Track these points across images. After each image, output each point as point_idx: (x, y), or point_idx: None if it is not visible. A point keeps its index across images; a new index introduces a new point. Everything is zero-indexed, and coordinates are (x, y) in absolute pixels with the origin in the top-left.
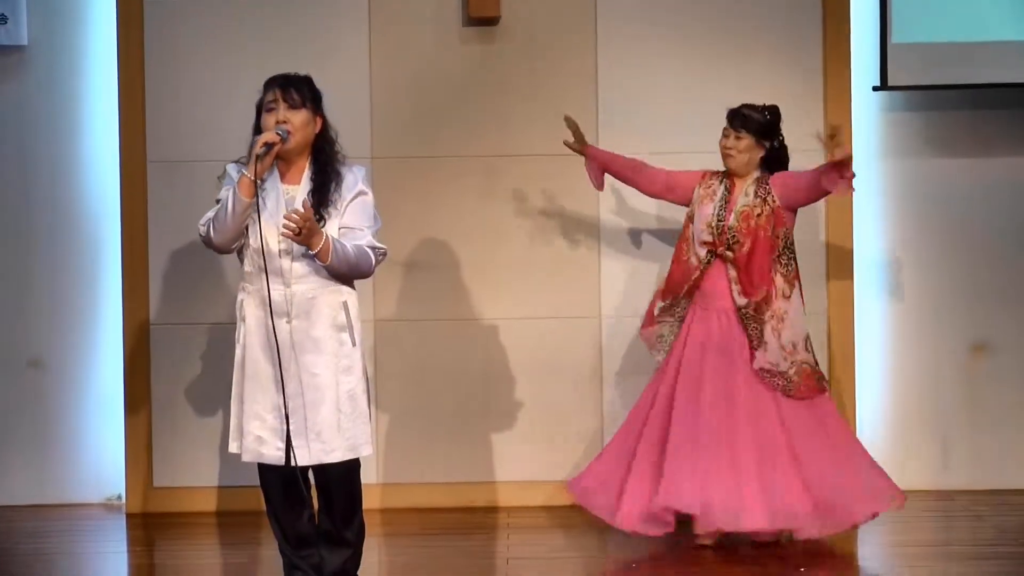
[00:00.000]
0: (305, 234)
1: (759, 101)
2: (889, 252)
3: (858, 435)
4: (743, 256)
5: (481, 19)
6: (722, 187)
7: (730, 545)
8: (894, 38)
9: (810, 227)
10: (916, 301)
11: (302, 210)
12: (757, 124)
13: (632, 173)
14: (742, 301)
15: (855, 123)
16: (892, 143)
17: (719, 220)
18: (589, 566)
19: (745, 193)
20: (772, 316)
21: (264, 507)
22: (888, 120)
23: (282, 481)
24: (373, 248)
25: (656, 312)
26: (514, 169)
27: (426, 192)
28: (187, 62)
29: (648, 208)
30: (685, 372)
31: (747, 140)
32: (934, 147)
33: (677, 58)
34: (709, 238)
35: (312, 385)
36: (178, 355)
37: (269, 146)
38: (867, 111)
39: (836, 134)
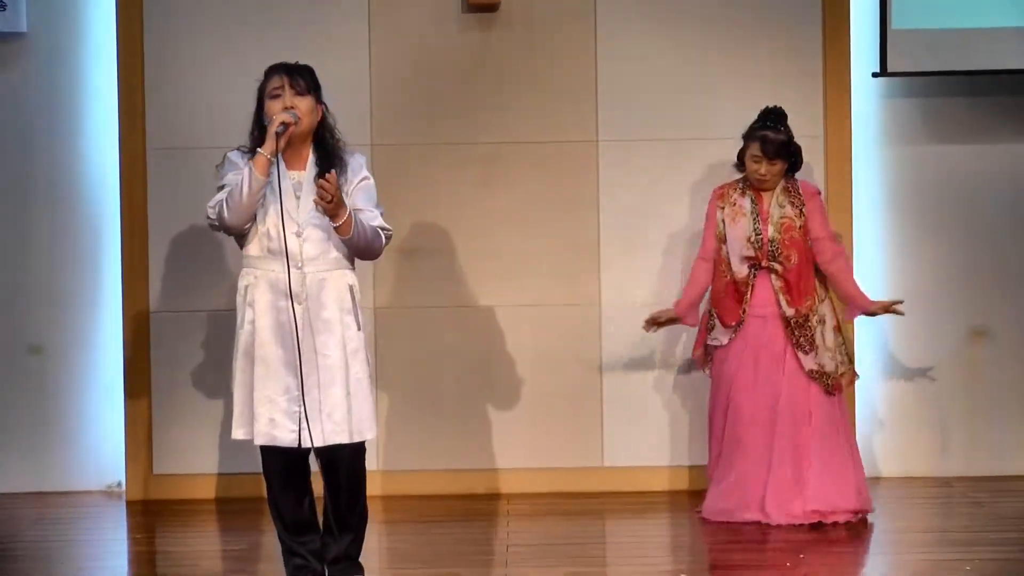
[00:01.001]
0: (336, 202)
1: (758, 88)
2: (888, 238)
3: (857, 422)
4: (793, 270)
5: (480, 6)
6: (748, 200)
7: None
8: (894, 24)
9: None
10: (915, 287)
11: (329, 179)
12: (786, 145)
13: (704, 287)
14: (790, 312)
15: (854, 109)
16: (891, 129)
17: (757, 234)
18: (588, 553)
19: (778, 204)
20: (819, 321)
21: (264, 494)
22: (887, 106)
23: (286, 466)
24: (383, 229)
25: (712, 336)
26: (513, 156)
27: (425, 179)
28: (186, 49)
29: (648, 197)
30: (745, 377)
31: (780, 164)
32: (933, 133)
33: (676, 46)
34: (752, 253)
35: (324, 367)
36: (178, 342)
37: (286, 125)
38: (866, 97)
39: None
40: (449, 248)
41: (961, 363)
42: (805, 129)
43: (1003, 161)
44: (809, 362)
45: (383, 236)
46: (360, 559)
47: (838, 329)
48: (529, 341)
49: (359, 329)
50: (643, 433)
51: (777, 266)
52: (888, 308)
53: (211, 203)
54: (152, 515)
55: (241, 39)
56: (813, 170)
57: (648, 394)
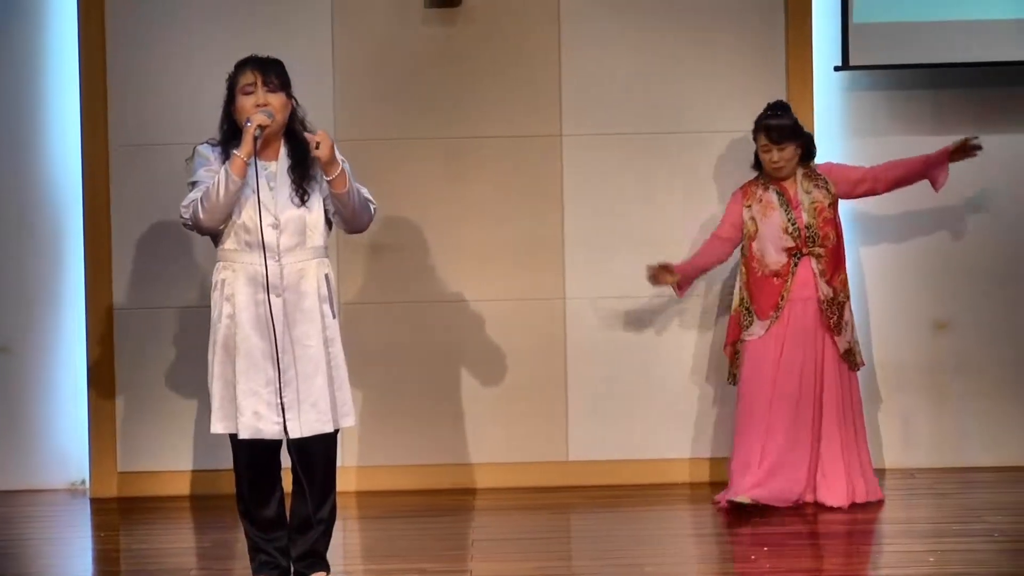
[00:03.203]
0: (328, 152)
1: (722, 82)
2: (851, 230)
3: None
4: (831, 250)
5: (443, 0)
6: (774, 193)
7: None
8: (855, 18)
9: None
10: (878, 279)
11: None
12: (791, 129)
13: (713, 261)
14: (828, 292)
15: (817, 103)
16: (854, 122)
17: (793, 223)
18: (554, 547)
19: (805, 190)
20: (847, 297)
21: (231, 490)
22: (850, 99)
23: (258, 461)
24: (371, 201)
25: (749, 332)
26: (478, 151)
27: (390, 174)
28: (149, 44)
29: (612, 191)
30: (789, 361)
31: (790, 147)
32: (895, 126)
33: (640, 39)
34: (791, 243)
35: (305, 357)
36: (144, 339)
37: (262, 128)
38: (829, 91)
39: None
40: (414, 243)
41: (925, 355)
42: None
43: None
44: (842, 343)
45: (371, 207)
46: (327, 555)
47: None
48: (495, 336)
49: (335, 317)
50: (607, 427)
51: (819, 250)
52: (964, 146)
53: (185, 203)
54: (118, 512)
55: (204, 34)
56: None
57: (612, 388)
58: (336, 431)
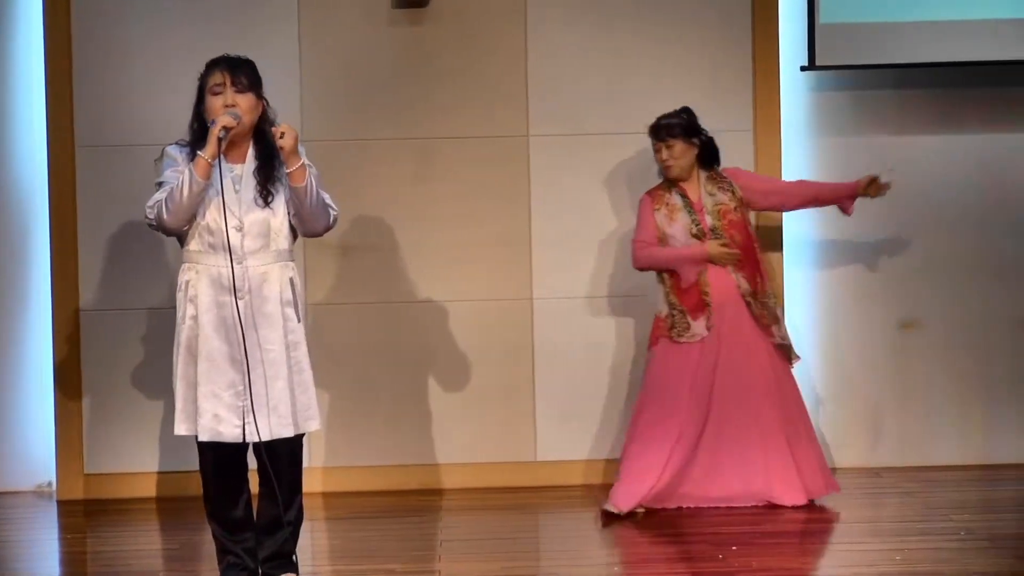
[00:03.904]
0: (291, 142)
1: (688, 82)
2: (817, 230)
3: None
4: (742, 251)
5: (410, 1)
6: (677, 196)
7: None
8: (822, 19)
9: None
10: (845, 279)
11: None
12: (680, 127)
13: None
14: (747, 287)
15: (784, 102)
16: (820, 122)
17: (697, 224)
18: (522, 547)
19: (708, 192)
20: (772, 296)
21: (199, 492)
22: (816, 99)
23: (224, 463)
24: (331, 207)
25: (691, 334)
26: (445, 151)
27: (358, 175)
28: (116, 45)
29: (579, 191)
30: (724, 363)
31: (678, 145)
32: (862, 126)
33: (606, 40)
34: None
35: (267, 360)
36: (111, 340)
37: (228, 130)
38: (795, 91)
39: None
40: (381, 244)
41: (891, 354)
42: (735, 123)
43: (931, 152)
44: (777, 334)
45: (331, 213)
46: (295, 556)
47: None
48: (463, 336)
49: (299, 321)
50: (576, 428)
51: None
52: (874, 182)
53: (150, 203)
54: (85, 515)
55: (171, 34)
56: (742, 163)
57: (581, 388)
58: (302, 434)
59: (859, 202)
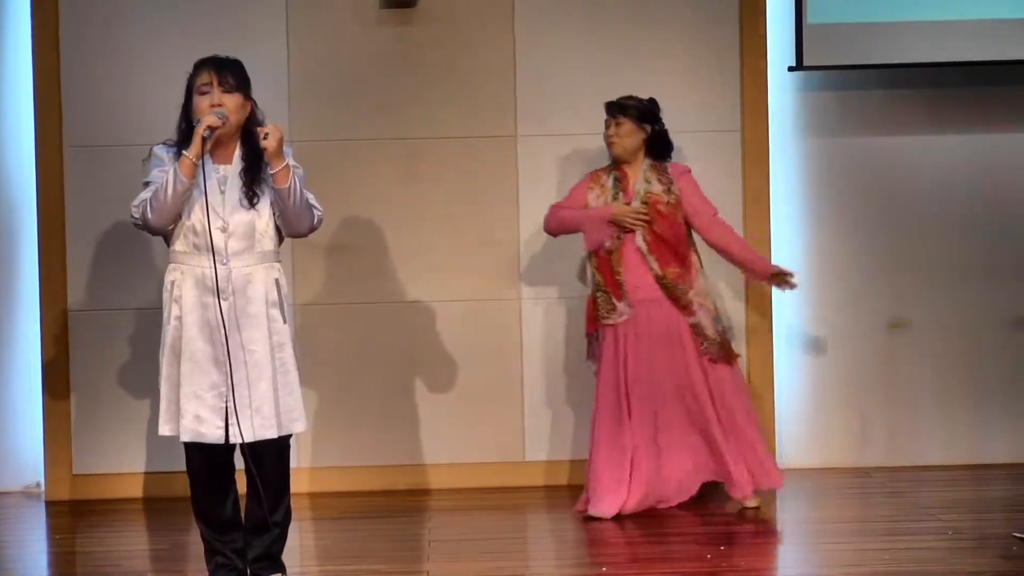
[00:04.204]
0: (275, 144)
1: (676, 82)
2: (806, 230)
3: (776, 412)
4: (667, 241)
5: (398, 1)
6: (611, 177)
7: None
8: (809, 19)
9: (728, 205)
10: (833, 278)
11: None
12: (634, 109)
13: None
14: (658, 271)
15: (771, 103)
16: (808, 122)
17: (617, 200)
18: (510, 547)
19: (645, 180)
20: (696, 293)
21: (187, 492)
22: (804, 100)
23: (210, 463)
24: (315, 208)
25: (619, 313)
26: (433, 151)
27: (346, 175)
28: (103, 46)
29: (567, 190)
30: (635, 363)
31: (627, 125)
32: (849, 126)
33: (594, 40)
34: (618, 228)
35: (251, 362)
36: (99, 341)
37: (212, 129)
38: (783, 91)
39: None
40: (369, 244)
41: (880, 354)
42: (723, 123)
43: (919, 153)
44: (691, 316)
45: (315, 214)
46: (283, 556)
47: (717, 317)
48: (451, 336)
49: (285, 322)
50: (564, 427)
51: (641, 226)
52: (782, 276)
53: (135, 202)
54: (73, 515)
55: (159, 34)
56: (730, 164)
57: (568, 388)
58: (288, 436)
59: (847, 201)
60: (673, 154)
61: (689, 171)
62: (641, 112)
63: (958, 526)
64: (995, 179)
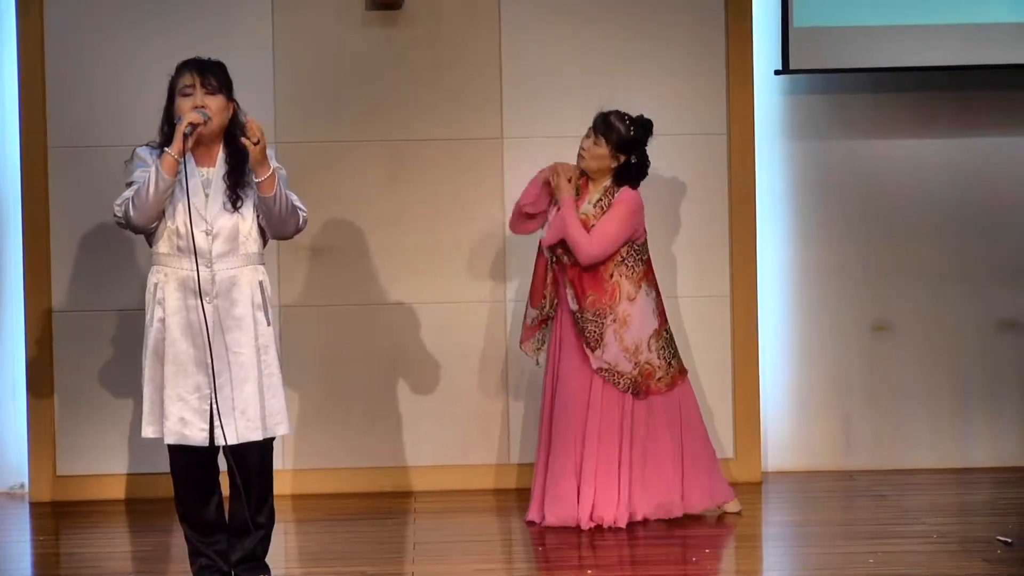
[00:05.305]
0: (261, 149)
1: (663, 85)
2: (791, 233)
3: (761, 415)
4: (585, 272)
5: (384, 3)
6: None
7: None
8: (795, 22)
9: (714, 208)
10: (818, 282)
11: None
12: (618, 136)
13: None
14: (574, 306)
15: (757, 106)
16: (794, 125)
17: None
18: (494, 550)
19: (590, 202)
20: (615, 320)
21: (171, 493)
22: (790, 103)
23: (194, 465)
24: (300, 209)
25: (529, 323)
26: (419, 154)
27: (331, 177)
28: (88, 46)
29: None
30: (561, 373)
31: (603, 148)
32: (835, 129)
33: (580, 43)
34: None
35: (236, 364)
36: (83, 342)
37: (194, 126)
38: (769, 94)
39: None
40: (355, 246)
41: (864, 357)
42: (709, 127)
43: (905, 156)
44: (596, 359)
45: (300, 215)
46: (267, 558)
47: (658, 334)
48: (436, 338)
49: (269, 324)
50: None
51: (566, 258)
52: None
53: (118, 201)
54: (57, 516)
55: (145, 35)
56: (716, 167)
57: None
58: (271, 438)
59: (833, 205)
60: (658, 156)
61: (631, 202)
62: (622, 142)
63: (943, 529)
64: (981, 182)
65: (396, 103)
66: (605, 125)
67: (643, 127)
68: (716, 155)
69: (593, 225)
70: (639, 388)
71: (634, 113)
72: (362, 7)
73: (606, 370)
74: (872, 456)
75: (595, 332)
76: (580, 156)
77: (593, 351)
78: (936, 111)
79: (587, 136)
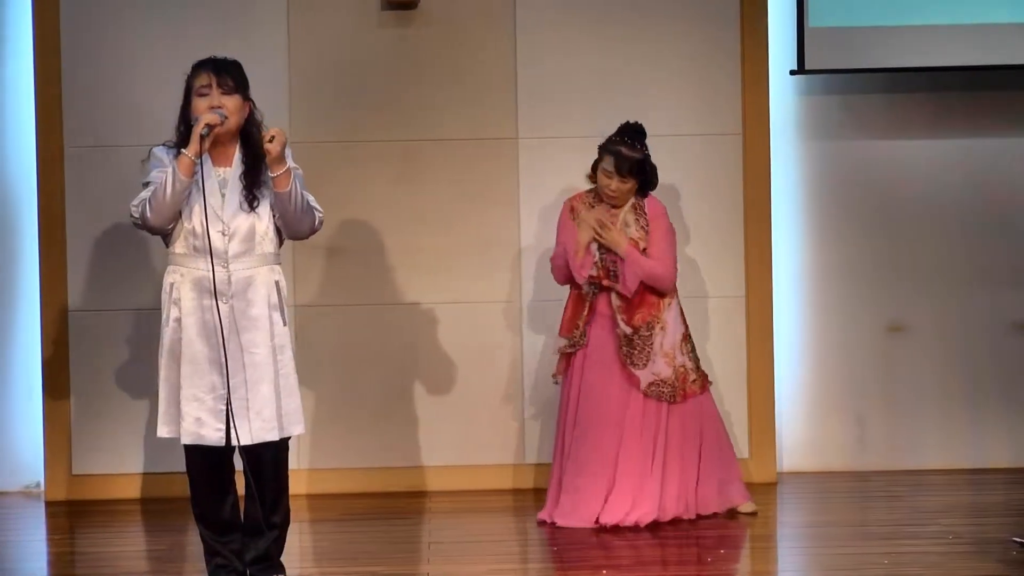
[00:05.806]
0: (279, 148)
1: (677, 85)
2: (806, 234)
3: (776, 416)
4: (618, 292)
5: (399, 3)
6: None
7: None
8: (811, 22)
9: (729, 209)
10: (833, 282)
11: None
12: (640, 165)
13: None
14: (627, 331)
15: (772, 106)
16: (809, 126)
17: (602, 253)
18: (509, 550)
19: (625, 223)
20: (662, 328)
21: (186, 493)
22: (805, 103)
23: (209, 465)
24: (316, 209)
25: (560, 351)
26: (434, 153)
27: (346, 177)
28: (104, 45)
29: (567, 194)
30: (588, 387)
31: (630, 184)
32: (850, 130)
33: (595, 43)
34: (594, 272)
35: (252, 364)
36: (99, 341)
37: (210, 128)
38: (785, 95)
39: None
40: (369, 246)
41: (879, 358)
42: (724, 127)
43: (920, 157)
44: (645, 378)
45: (316, 215)
46: (282, 558)
47: (686, 337)
48: (450, 338)
49: (285, 325)
50: None
51: (618, 286)
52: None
53: (135, 201)
54: (72, 516)
55: (160, 36)
56: (731, 167)
57: None
58: (287, 438)
59: (848, 205)
60: (673, 157)
61: (664, 213)
62: (643, 165)
63: (957, 530)
64: (995, 183)
65: (411, 103)
66: (627, 163)
67: (643, 135)
68: (731, 156)
69: (644, 249)
70: (677, 393)
71: (634, 114)
72: (377, 7)
73: (654, 384)
74: (887, 457)
75: (645, 349)
76: (612, 197)
77: (641, 370)
78: (951, 111)
79: (609, 177)
